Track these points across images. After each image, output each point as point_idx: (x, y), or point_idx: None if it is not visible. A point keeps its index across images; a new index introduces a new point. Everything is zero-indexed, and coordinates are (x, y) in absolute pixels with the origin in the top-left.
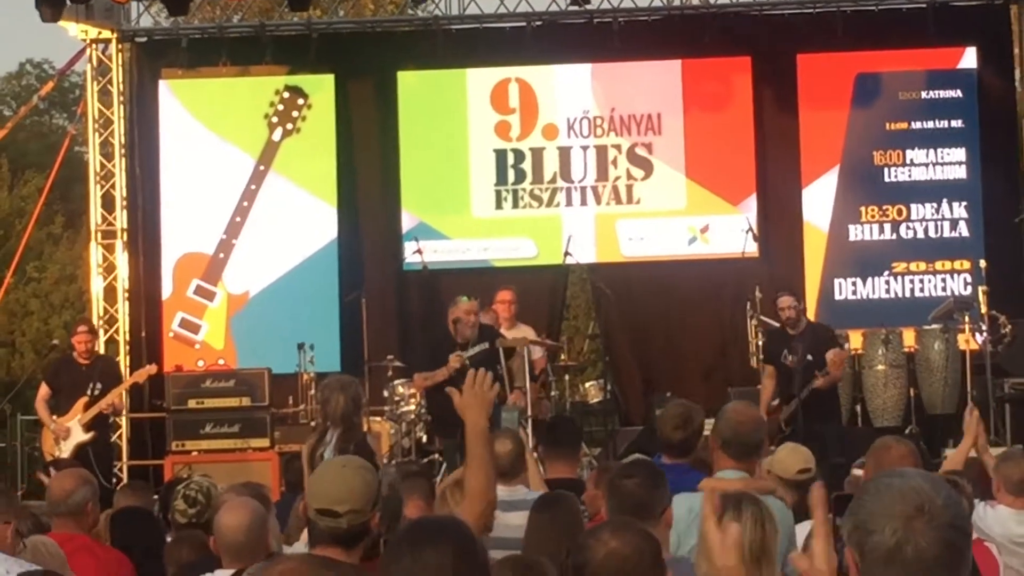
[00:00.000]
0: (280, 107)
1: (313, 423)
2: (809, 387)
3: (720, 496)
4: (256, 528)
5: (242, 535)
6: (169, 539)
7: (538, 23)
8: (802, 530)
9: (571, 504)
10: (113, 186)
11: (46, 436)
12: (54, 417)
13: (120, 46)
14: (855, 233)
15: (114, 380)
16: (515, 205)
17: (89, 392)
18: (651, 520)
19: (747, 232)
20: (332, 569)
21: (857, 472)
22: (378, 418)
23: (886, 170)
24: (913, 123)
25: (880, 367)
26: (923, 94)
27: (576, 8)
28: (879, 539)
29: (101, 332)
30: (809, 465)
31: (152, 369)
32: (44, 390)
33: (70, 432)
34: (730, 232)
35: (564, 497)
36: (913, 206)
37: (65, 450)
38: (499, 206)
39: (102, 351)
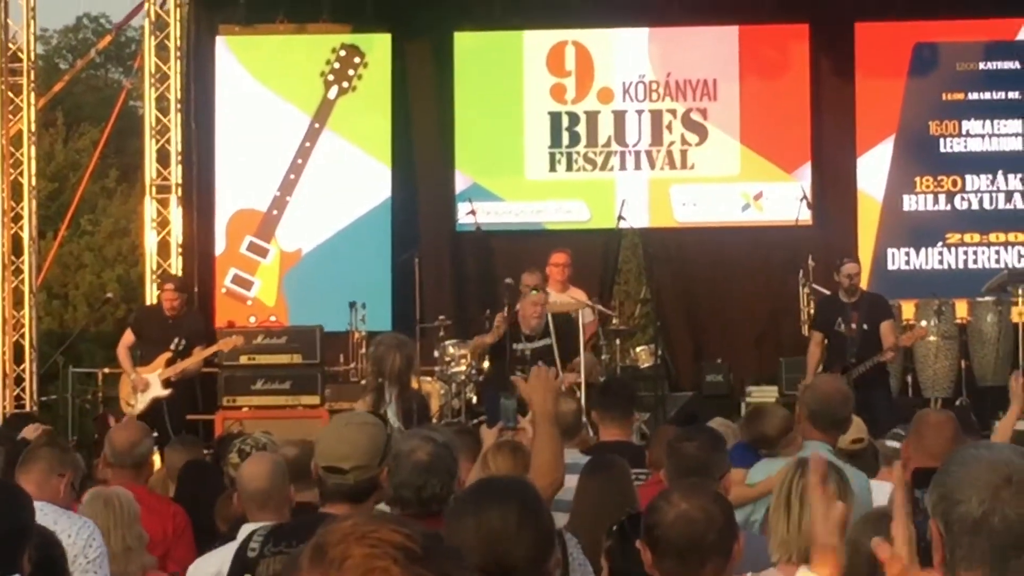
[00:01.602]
0: (336, 65)
1: (363, 381)
2: (873, 360)
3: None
4: (276, 478)
5: (262, 484)
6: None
7: None
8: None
9: (622, 468)
10: (168, 141)
11: (124, 383)
12: (136, 368)
13: (178, 1)
14: (909, 203)
15: (199, 338)
16: (569, 168)
17: (173, 347)
18: (709, 483)
19: (801, 200)
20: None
21: (891, 444)
22: (428, 378)
23: (942, 140)
24: (970, 94)
25: (932, 338)
26: (980, 65)
27: None
28: (965, 509)
29: (152, 287)
30: (862, 435)
31: (238, 341)
32: (128, 336)
33: (149, 385)
34: (784, 199)
35: (614, 461)
36: (968, 177)
37: (141, 402)
38: (553, 169)
39: (194, 304)
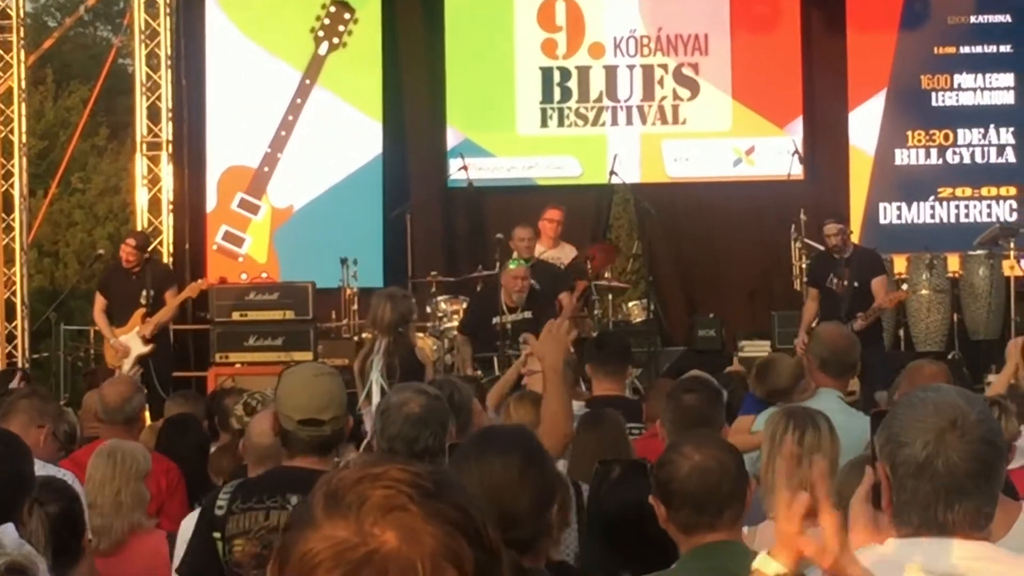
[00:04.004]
0: (327, 21)
1: (356, 337)
2: (851, 324)
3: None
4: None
5: (267, 439)
6: (214, 448)
7: None
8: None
9: (614, 420)
10: (159, 98)
11: (107, 348)
12: (114, 330)
13: None
14: (901, 157)
15: (165, 282)
16: (560, 123)
17: (144, 301)
18: (715, 433)
19: (793, 154)
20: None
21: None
22: (421, 334)
23: (933, 94)
24: (961, 47)
25: (924, 292)
26: (972, 18)
27: None
28: (910, 452)
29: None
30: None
31: (204, 283)
32: (100, 301)
33: (129, 349)
34: (775, 154)
35: (606, 414)
36: (960, 131)
37: (127, 365)
38: (544, 124)
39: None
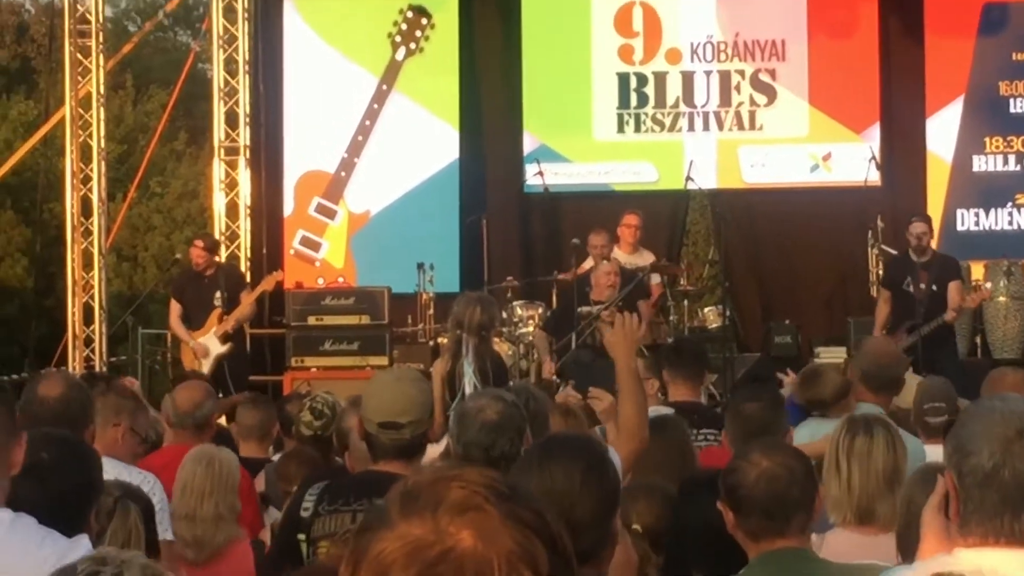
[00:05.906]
0: (403, 27)
1: (432, 342)
2: (938, 321)
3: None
4: None
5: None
6: (278, 455)
7: None
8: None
9: (679, 427)
10: (237, 103)
11: (185, 352)
12: (192, 333)
13: None
14: (979, 164)
15: (239, 285)
16: (637, 129)
17: (218, 303)
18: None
19: (870, 161)
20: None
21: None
22: (496, 339)
23: (1012, 101)
24: None
25: (1001, 299)
26: None
27: None
28: (977, 461)
29: (222, 248)
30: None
31: (280, 275)
32: (176, 307)
33: (208, 349)
34: (853, 160)
35: (669, 419)
36: None
37: (205, 367)
38: (621, 130)
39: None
